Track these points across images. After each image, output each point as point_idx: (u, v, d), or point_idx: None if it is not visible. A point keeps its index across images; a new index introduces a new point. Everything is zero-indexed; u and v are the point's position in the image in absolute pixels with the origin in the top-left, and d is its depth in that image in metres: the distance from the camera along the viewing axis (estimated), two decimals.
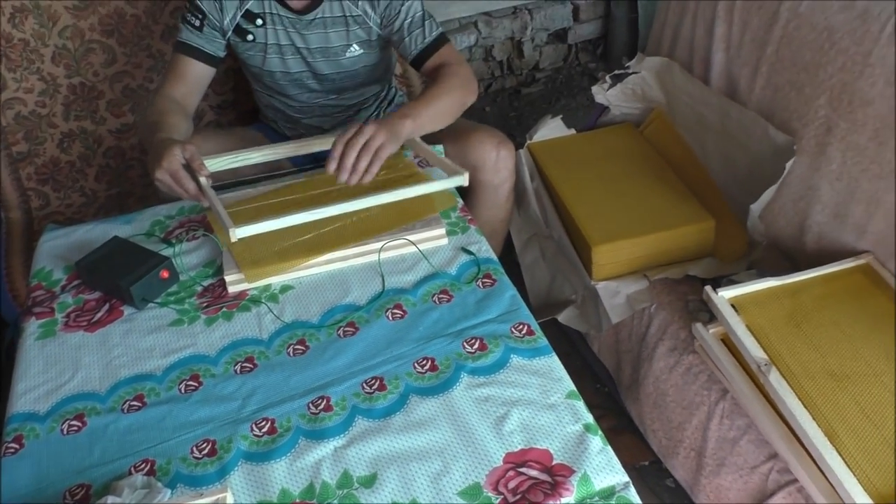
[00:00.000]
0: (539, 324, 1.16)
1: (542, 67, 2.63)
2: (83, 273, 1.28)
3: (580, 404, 1.02)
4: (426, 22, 1.50)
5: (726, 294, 1.25)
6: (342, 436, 1.00)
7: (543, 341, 1.13)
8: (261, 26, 1.48)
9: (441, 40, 1.52)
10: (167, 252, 1.31)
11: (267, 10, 1.47)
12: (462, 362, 1.09)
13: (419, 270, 1.26)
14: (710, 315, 1.31)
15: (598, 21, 2.61)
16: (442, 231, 1.31)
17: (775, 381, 1.11)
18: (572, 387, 1.05)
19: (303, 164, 1.71)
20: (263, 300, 1.23)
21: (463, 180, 1.30)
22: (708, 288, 1.26)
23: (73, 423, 1.05)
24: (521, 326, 1.15)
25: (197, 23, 1.46)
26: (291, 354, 1.13)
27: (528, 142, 1.74)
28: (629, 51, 2.47)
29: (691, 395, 1.32)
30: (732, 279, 1.39)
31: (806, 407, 1.08)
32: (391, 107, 1.77)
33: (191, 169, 1.25)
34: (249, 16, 1.47)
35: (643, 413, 1.46)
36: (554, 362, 1.09)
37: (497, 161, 1.53)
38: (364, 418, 1.02)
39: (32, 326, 1.23)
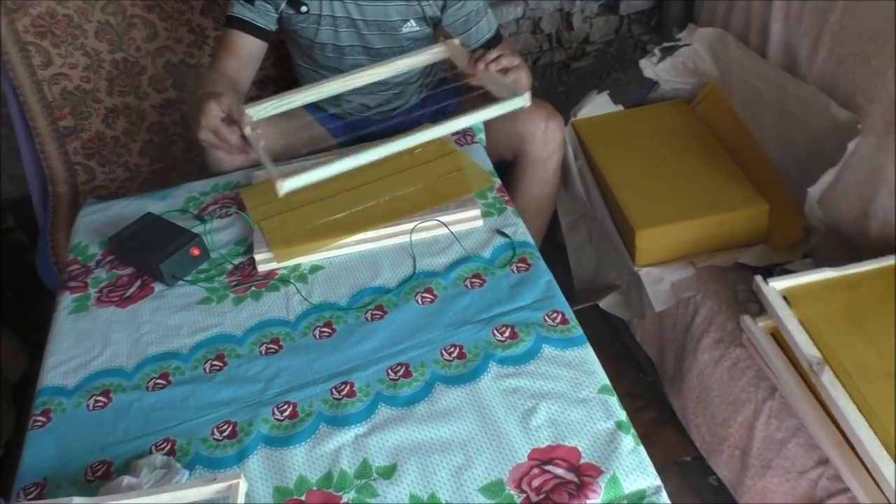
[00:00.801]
0: (582, 308, 1.10)
1: (592, 40, 2.53)
2: (116, 249, 1.28)
3: (613, 400, 0.97)
4: (487, 14, 1.49)
5: (778, 285, 1.18)
6: (364, 423, 0.97)
7: (578, 331, 1.07)
8: None
9: (500, 34, 1.52)
10: (199, 229, 1.30)
11: None
12: (491, 351, 1.05)
13: (452, 253, 1.22)
14: (759, 307, 1.23)
15: None
16: (477, 212, 1.26)
17: (828, 381, 1.04)
18: (606, 381, 1.00)
19: (345, 136, 1.69)
20: (292, 280, 1.21)
21: (524, 101, 1.23)
22: (758, 278, 1.18)
23: (100, 398, 1.06)
24: (555, 315, 1.10)
25: None
26: (317, 337, 1.11)
27: (573, 119, 1.66)
28: (684, 22, 2.34)
29: (737, 391, 1.24)
30: (786, 268, 1.31)
31: (861, 411, 1.00)
32: (433, 81, 1.72)
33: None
34: None
35: (686, 406, 1.39)
36: (588, 354, 1.04)
37: (546, 133, 1.49)
38: (387, 406, 0.99)
39: (66, 300, 1.23)
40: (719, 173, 1.48)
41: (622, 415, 0.95)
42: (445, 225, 1.24)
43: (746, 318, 1.22)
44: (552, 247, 1.80)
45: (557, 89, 2.45)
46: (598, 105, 1.67)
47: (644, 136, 1.61)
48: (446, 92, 1.71)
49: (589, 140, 1.61)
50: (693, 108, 1.67)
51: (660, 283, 1.40)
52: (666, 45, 1.63)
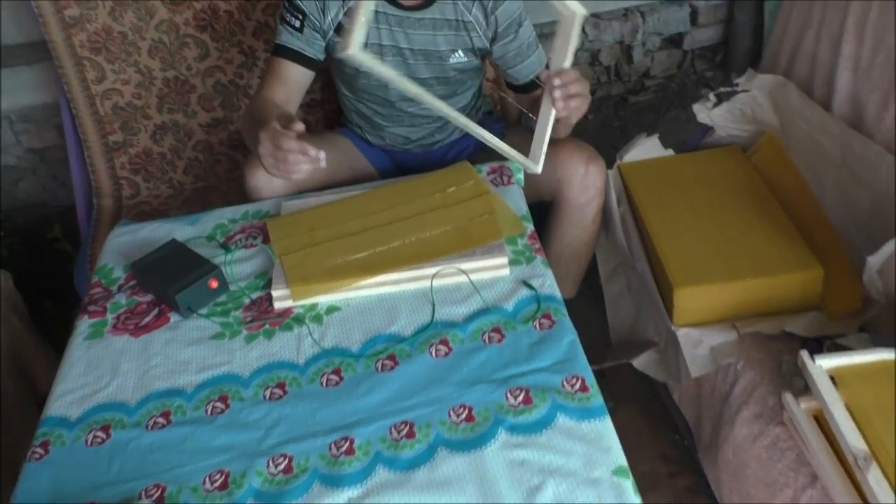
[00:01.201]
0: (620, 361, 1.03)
1: (652, 75, 2.44)
2: (138, 275, 1.27)
3: (628, 484, 0.90)
4: (538, 48, 1.46)
5: (826, 363, 1.07)
6: (359, 485, 0.92)
7: (598, 400, 1.00)
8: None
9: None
10: (221, 259, 1.28)
11: (371, 8, 1.39)
12: (502, 416, 0.98)
13: (473, 302, 1.16)
14: (805, 383, 1.13)
15: (718, 26, 2.38)
16: (504, 260, 1.20)
17: (875, 480, 0.93)
18: (623, 461, 0.93)
19: (386, 168, 1.66)
20: (307, 320, 1.17)
21: (537, 169, 1.23)
22: (804, 353, 1.08)
23: (99, 433, 1.04)
24: (574, 380, 1.03)
25: (297, 24, 1.39)
26: (324, 385, 1.07)
27: (619, 162, 1.58)
28: (752, 59, 2.24)
29: (775, 473, 1.14)
30: (838, 343, 1.20)
31: None
32: (478, 115, 1.68)
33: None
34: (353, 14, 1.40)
35: (720, 480, 1.29)
36: (606, 428, 0.97)
37: (585, 177, 1.41)
38: (386, 468, 0.94)
39: (84, 325, 1.23)
40: (772, 230, 1.38)
41: (636, 501, 0.88)
42: (466, 274, 1.18)
43: (788, 397, 1.12)
44: (591, 291, 1.72)
45: (613, 123, 2.36)
46: (646, 148, 1.59)
47: (693, 184, 1.52)
48: (491, 126, 1.66)
49: (634, 185, 1.53)
50: (749, 158, 1.57)
51: (698, 347, 1.31)
52: (722, 90, 1.54)
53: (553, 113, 1.26)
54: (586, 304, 1.77)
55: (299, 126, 1.18)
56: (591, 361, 1.64)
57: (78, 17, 1.75)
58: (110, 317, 1.23)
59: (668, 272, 1.33)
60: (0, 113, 2.06)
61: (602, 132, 2.32)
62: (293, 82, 1.43)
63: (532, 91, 1.47)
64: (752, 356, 1.26)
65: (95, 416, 1.06)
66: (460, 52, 1.44)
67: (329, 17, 1.39)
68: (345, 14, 1.39)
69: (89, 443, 1.03)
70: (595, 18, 2.30)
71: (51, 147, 2.15)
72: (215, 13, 1.80)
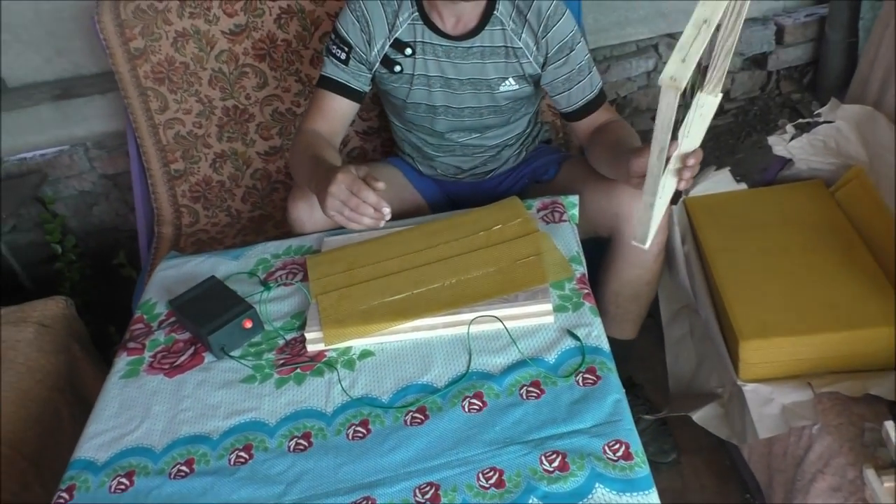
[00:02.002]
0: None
1: (732, 97, 2.29)
2: (176, 312, 1.26)
3: None
4: (591, 73, 1.36)
5: None
6: None
7: (643, 470, 0.90)
8: (410, 56, 1.36)
9: (604, 95, 1.40)
10: (257, 297, 1.26)
11: (418, 38, 1.35)
12: (535, 482, 0.90)
13: (512, 353, 1.08)
14: (892, 458, 0.99)
15: (807, 45, 2.21)
16: (548, 307, 1.12)
17: None
18: None
19: (436, 198, 1.61)
20: (339, 366, 1.12)
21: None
22: (889, 425, 0.95)
23: (123, 480, 1.02)
24: (617, 446, 0.93)
25: (343, 56, 1.37)
26: (350, 437, 1.01)
27: (684, 196, 1.47)
28: (845, 81, 2.06)
29: None
30: None
31: None
32: (534, 143, 1.60)
33: None
34: (399, 45, 1.36)
35: None
36: (652, 502, 0.87)
37: None
38: None
39: (122, 363, 1.23)
40: (856, 277, 1.24)
41: None
42: (502, 322, 1.10)
43: (870, 473, 0.98)
44: (657, 329, 1.60)
45: None
46: (716, 182, 1.47)
47: (768, 223, 1.38)
48: (547, 155, 1.58)
49: (700, 222, 1.41)
50: (832, 194, 1.42)
51: (768, 405, 1.18)
52: (802, 121, 1.40)
53: (674, 188, 1.16)
54: (651, 345, 1.66)
55: (380, 184, 1.14)
56: (654, 410, 1.55)
57: (142, 48, 1.78)
58: (147, 355, 1.22)
59: (734, 321, 1.21)
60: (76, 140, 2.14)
61: None
62: (338, 114, 1.40)
63: (580, 118, 1.38)
64: (829, 420, 1.12)
65: (122, 460, 1.05)
66: (511, 79, 1.38)
67: (375, 50, 1.36)
68: (391, 46, 1.35)
69: (112, 489, 1.01)
70: (670, 39, 2.18)
71: (122, 173, 2.21)
72: (273, 42, 1.80)
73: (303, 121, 1.42)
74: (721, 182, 1.47)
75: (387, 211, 1.13)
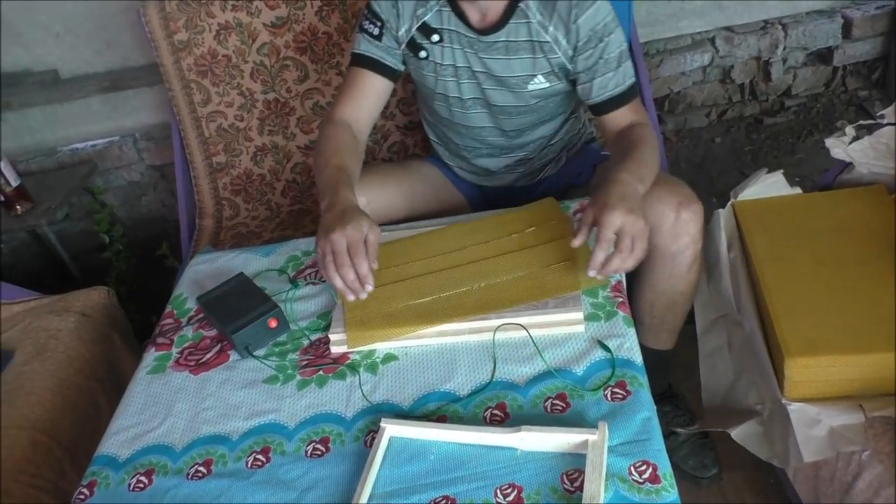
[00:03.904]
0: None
1: (794, 93, 2.17)
2: (204, 309, 1.26)
3: None
4: (620, 67, 1.26)
5: None
6: None
7: (671, 495, 0.85)
8: (437, 43, 1.30)
9: (633, 93, 1.28)
10: (284, 296, 1.24)
11: (445, 26, 1.29)
12: (555, 501, 0.86)
13: (538, 363, 1.04)
14: None
15: (876, 39, 2.08)
16: (579, 315, 1.07)
17: None
18: None
19: (475, 198, 1.57)
20: (362, 369, 1.10)
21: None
22: None
23: (142, 479, 1.02)
24: (644, 467, 0.88)
25: (376, 31, 1.31)
26: (367, 444, 0.99)
27: (733, 200, 1.39)
28: None
29: None
30: None
31: None
32: (577, 147, 1.53)
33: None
34: (426, 30, 1.30)
35: None
36: None
37: (675, 225, 1.23)
38: None
39: (149, 358, 1.23)
40: None
41: None
42: (527, 330, 1.06)
43: None
44: (696, 341, 1.53)
45: (744, 147, 2.13)
46: (768, 185, 1.38)
47: (822, 231, 1.29)
48: (584, 157, 1.52)
49: (749, 228, 1.33)
50: (894, 200, 1.32)
51: (814, 427, 1.11)
52: (863, 122, 1.30)
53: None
54: (693, 353, 1.58)
55: (375, 265, 1.08)
56: (695, 419, 1.48)
57: (186, 41, 1.79)
58: (175, 351, 1.22)
59: (781, 336, 1.14)
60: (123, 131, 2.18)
61: (730, 157, 2.10)
62: (372, 93, 1.34)
63: (603, 113, 1.29)
64: (881, 446, 1.04)
65: (142, 458, 1.05)
66: (540, 76, 1.30)
67: (403, 27, 1.30)
68: (417, 29, 1.30)
69: (131, 488, 1.01)
70: (728, 32, 2.08)
71: (169, 164, 2.23)
72: (314, 35, 1.78)
73: (336, 103, 1.35)
74: (774, 185, 1.38)
75: (369, 288, 1.06)
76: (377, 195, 1.39)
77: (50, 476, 1.39)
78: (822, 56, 2.13)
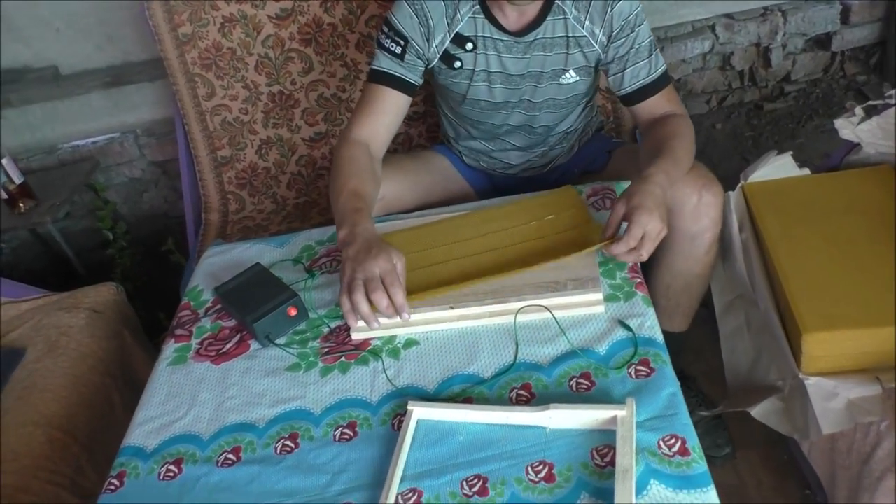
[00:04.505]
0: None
1: (793, 79, 2.19)
2: (221, 300, 1.26)
3: None
4: (653, 54, 1.28)
5: None
6: None
7: (700, 466, 0.86)
8: (471, 51, 1.31)
9: (665, 80, 1.30)
10: (302, 285, 1.25)
11: (479, 33, 1.29)
12: (586, 477, 0.87)
13: (560, 343, 1.05)
14: None
15: (874, 25, 2.10)
16: (598, 296, 1.08)
17: None
18: None
19: (484, 187, 1.57)
20: (384, 355, 1.11)
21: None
22: None
23: (171, 468, 1.02)
24: (672, 441, 0.89)
25: (398, 50, 1.30)
26: (395, 428, 1.00)
27: (743, 182, 1.40)
28: None
29: None
30: None
31: None
32: (588, 136, 1.55)
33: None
34: (460, 40, 1.30)
35: None
36: (709, 501, 0.83)
37: (698, 207, 1.25)
38: None
39: (169, 349, 1.23)
40: None
41: None
42: (550, 311, 1.07)
43: None
44: (712, 320, 1.55)
45: (744, 133, 2.15)
46: (777, 167, 1.40)
47: (832, 211, 1.31)
48: (597, 144, 1.53)
49: (760, 209, 1.35)
50: None
51: (832, 399, 1.12)
52: (871, 103, 1.32)
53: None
54: (704, 337, 1.60)
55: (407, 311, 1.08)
56: (708, 403, 1.50)
57: (190, 34, 1.79)
58: (194, 342, 1.23)
59: (797, 313, 1.15)
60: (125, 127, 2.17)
61: (731, 143, 2.12)
62: (393, 109, 1.33)
63: (636, 102, 1.31)
64: None
65: (170, 447, 1.05)
66: (572, 71, 1.32)
67: (434, 46, 1.30)
68: (451, 41, 1.30)
69: (161, 477, 1.01)
70: (727, 19, 2.10)
71: (171, 160, 2.23)
72: (319, 26, 1.78)
73: (354, 120, 1.33)
74: (782, 167, 1.40)
75: (406, 317, 1.07)
76: (389, 185, 1.39)
77: (68, 472, 1.39)
78: (821, 42, 2.15)
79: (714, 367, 1.55)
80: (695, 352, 1.61)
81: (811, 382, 1.15)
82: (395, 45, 1.30)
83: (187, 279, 1.74)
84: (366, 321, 1.07)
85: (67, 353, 1.55)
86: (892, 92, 1.30)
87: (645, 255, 1.08)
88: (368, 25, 1.78)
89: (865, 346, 1.11)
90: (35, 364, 1.53)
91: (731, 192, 1.37)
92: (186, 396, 1.13)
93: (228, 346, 1.20)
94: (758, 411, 1.25)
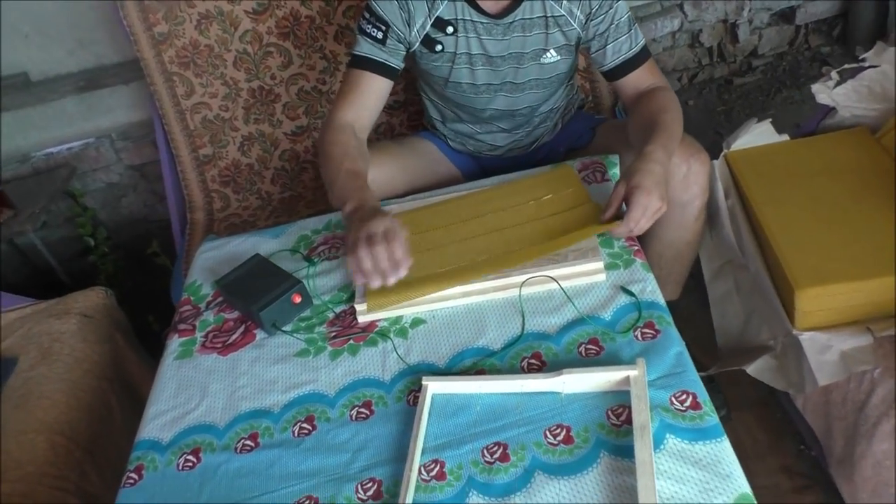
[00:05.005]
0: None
1: (760, 53, 2.25)
2: (223, 292, 1.26)
3: None
4: (633, 29, 1.31)
5: None
6: None
7: (713, 419, 0.89)
8: (451, 34, 1.32)
9: (646, 53, 1.33)
10: (304, 273, 1.25)
11: (459, 16, 1.31)
12: (604, 437, 0.90)
13: (566, 312, 1.07)
14: None
15: None
16: (599, 265, 1.10)
17: None
18: (746, 488, 0.82)
19: (471, 170, 1.59)
20: (391, 335, 1.12)
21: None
22: None
23: (190, 457, 1.02)
24: (684, 396, 0.92)
25: (379, 35, 1.31)
26: (411, 403, 1.01)
27: (726, 150, 1.44)
28: (875, 32, 2.02)
29: None
30: None
31: None
32: (570, 114, 1.57)
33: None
34: (440, 24, 1.31)
35: (858, 498, 1.15)
36: (724, 451, 0.86)
37: (687, 175, 1.28)
38: (480, 494, 0.87)
39: (174, 344, 1.23)
40: None
41: None
42: (556, 281, 1.09)
43: None
44: (699, 291, 1.59)
45: (716, 108, 2.20)
46: (757, 135, 1.44)
47: (814, 173, 1.36)
48: (580, 122, 1.56)
49: (744, 176, 1.39)
50: (878, 140, 1.39)
51: (826, 352, 1.17)
52: (847, 66, 1.37)
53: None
54: (693, 304, 1.64)
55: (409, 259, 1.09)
56: (698, 367, 1.53)
57: (167, 33, 1.77)
58: (199, 335, 1.23)
59: (788, 271, 1.20)
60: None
61: (704, 118, 2.17)
62: (375, 94, 1.34)
63: (619, 77, 1.34)
64: (891, 363, 1.11)
65: (186, 438, 1.06)
66: (552, 51, 1.34)
67: (415, 28, 1.32)
68: (432, 25, 1.32)
69: (180, 467, 1.01)
70: None
71: (149, 163, 2.21)
72: (297, 19, 1.78)
73: (336, 106, 1.33)
74: (763, 134, 1.44)
75: (402, 273, 1.07)
76: (379, 171, 1.40)
77: (72, 477, 1.38)
78: (785, 16, 2.21)
79: (703, 333, 1.59)
80: (684, 319, 1.64)
81: (805, 337, 1.19)
82: (376, 31, 1.31)
83: (178, 279, 1.74)
84: (367, 277, 1.07)
85: (61, 359, 1.54)
86: (866, 55, 1.35)
87: (638, 231, 1.11)
88: (346, 16, 1.78)
89: (855, 299, 1.16)
90: (29, 372, 1.51)
91: (714, 161, 1.41)
92: (197, 388, 1.13)
93: (234, 336, 1.20)
94: (753, 369, 1.29)
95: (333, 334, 1.15)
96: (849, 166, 1.35)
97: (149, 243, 2.16)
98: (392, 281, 1.07)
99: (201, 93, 1.84)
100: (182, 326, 1.25)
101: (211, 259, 1.39)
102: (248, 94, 1.85)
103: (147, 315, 1.99)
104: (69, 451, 1.40)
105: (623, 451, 0.87)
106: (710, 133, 2.11)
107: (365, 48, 1.32)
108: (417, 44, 1.34)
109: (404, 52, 1.34)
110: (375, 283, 1.07)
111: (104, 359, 1.61)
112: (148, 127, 2.11)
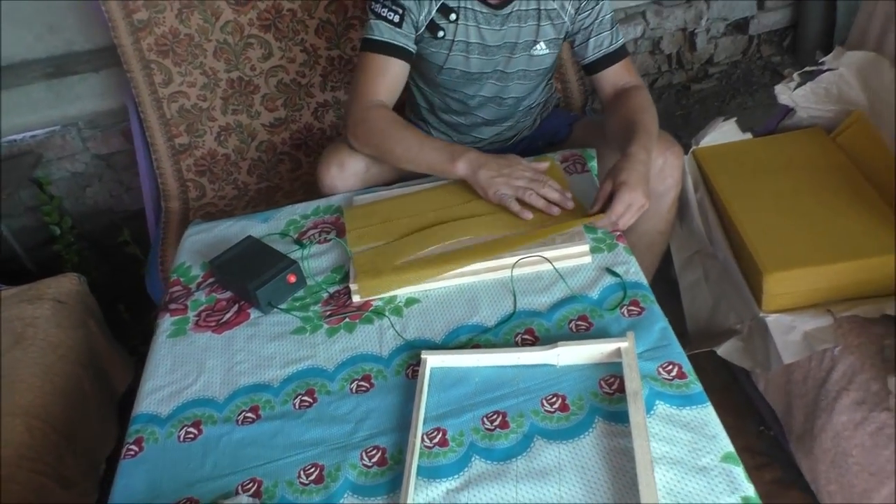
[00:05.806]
0: (696, 353, 0.99)
1: (716, 61, 2.37)
2: (216, 272, 1.27)
3: (739, 471, 0.85)
4: (613, 29, 1.41)
5: None
6: (456, 477, 0.90)
7: (697, 387, 0.96)
8: (454, 21, 1.36)
9: (625, 51, 1.43)
10: (297, 254, 1.28)
11: (462, 4, 1.35)
12: (597, 404, 0.95)
13: (556, 292, 1.13)
14: None
15: (786, 9, 2.31)
16: (585, 248, 1.17)
17: None
18: (730, 447, 0.89)
19: None
20: (387, 313, 1.16)
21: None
22: None
23: (191, 430, 1.04)
24: (670, 367, 0.99)
25: (396, 18, 1.33)
26: (410, 376, 1.05)
27: (694, 147, 1.53)
28: (823, 43, 2.16)
29: (882, 460, 1.09)
30: None
31: None
32: (548, 110, 1.64)
33: None
34: (444, 10, 1.35)
35: (817, 471, 1.24)
36: (709, 415, 0.93)
37: (663, 168, 1.36)
38: (482, 459, 0.92)
39: (166, 323, 1.24)
40: (864, 212, 1.32)
41: (750, 489, 0.83)
42: (549, 260, 1.15)
43: (893, 382, 1.06)
44: (664, 282, 1.68)
45: (675, 112, 2.31)
46: (723, 133, 1.54)
47: (776, 168, 1.46)
48: (558, 118, 1.63)
49: (712, 171, 1.48)
50: (833, 139, 1.50)
51: (790, 333, 1.26)
52: (807, 69, 1.48)
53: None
54: (660, 292, 1.71)
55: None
56: None
57: (146, 20, 1.77)
58: (191, 314, 1.24)
59: (757, 257, 1.28)
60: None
61: (663, 121, 2.25)
62: (398, 78, 1.37)
63: (599, 70, 1.42)
64: (849, 341, 1.20)
65: (185, 412, 1.07)
66: (542, 43, 1.41)
67: (424, 12, 1.35)
68: (437, 10, 1.35)
69: (181, 439, 1.03)
70: (657, 6, 2.25)
71: (116, 153, 2.18)
72: (279, 12, 1.80)
73: (361, 92, 1.35)
74: (728, 132, 1.54)
75: (570, 204, 1.23)
76: (372, 162, 1.43)
77: (50, 461, 1.37)
78: (740, 26, 2.34)
79: (671, 321, 1.67)
80: None
81: (771, 319, 1.28)
82: (392, 14, 1.33)
83: (154, 268, 1.73)
84: (546, 211, 1.23)
85: (36, 344, 1.52)
86: (825, 59, 1.46)
87: (623, 225, 1.19)
88: (328, 11, 1.82)
89: (818, 283, 1.25)
90: (3, 356, 1.49)
91: (684, 157, 1.49)
92: (193, 365, 1.14)
93: (228, 315, 1.22)
94: (722, 350, 1.37)
95: (328, 313, 1.18)
96: (808, 163, 1.46)
97: (115, 233, 2.13)
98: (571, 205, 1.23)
99: (179, 81, 1.84)
100: (173, 306, 1.26)
101: (199, 242, 1.40)
102: (227, 85, 1.86)
103: (116, 304, 1.97)
104: (45, 435, 1.38)
105: (616, 417, 0.93)
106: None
107: (385, 33, 1.34)
108: (423, 28, 1.37)
109: (415, 35, 1.37)
110: (555, 211, 1.22)
111: (78, 344, 1.59)
112: (117, 116, 2.09)
